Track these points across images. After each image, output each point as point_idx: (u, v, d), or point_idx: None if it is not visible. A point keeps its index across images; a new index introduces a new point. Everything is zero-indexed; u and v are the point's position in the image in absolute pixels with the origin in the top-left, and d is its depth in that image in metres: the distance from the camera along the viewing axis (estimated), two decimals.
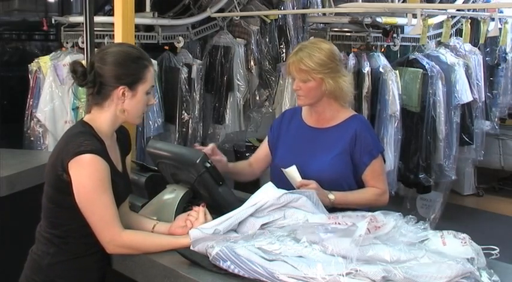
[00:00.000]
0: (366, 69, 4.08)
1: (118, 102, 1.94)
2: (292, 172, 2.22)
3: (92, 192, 1.83)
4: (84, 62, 2.02)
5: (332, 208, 2.18)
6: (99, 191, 1.83)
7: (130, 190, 2.14)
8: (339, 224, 1.79)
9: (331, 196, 2.24)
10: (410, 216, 1.82)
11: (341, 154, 2.35)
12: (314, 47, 2.33)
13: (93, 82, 1.94)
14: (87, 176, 1.83)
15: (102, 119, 1.96)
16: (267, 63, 4.62)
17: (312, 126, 2.45)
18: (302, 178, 2.23)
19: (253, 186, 2.63)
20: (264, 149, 2.59)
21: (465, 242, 1.69)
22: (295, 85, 2.35)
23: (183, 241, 1.86)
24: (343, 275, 1.49)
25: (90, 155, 1.82)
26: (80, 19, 3.46)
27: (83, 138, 1.87)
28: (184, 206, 2.17)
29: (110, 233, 1.86)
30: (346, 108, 2.46)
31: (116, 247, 1.89)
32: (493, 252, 1.72)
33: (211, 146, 2.40)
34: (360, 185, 2.39)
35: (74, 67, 1.96)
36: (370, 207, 2.39)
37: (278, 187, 2.25)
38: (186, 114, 4.09)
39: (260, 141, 4.91)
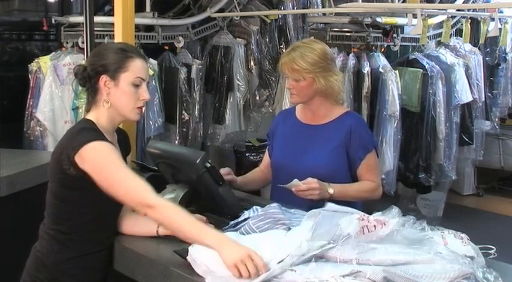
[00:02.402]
0: (366, 69, 4.08)
1: (104, 93, 1.96)
2: (293, 184, 2.24)
3: (110, 167, 1.82)
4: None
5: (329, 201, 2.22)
6: (118, 165, 1.82)
7: None
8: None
9: (331, 190, 2.29)
10: (410, 216, 1.82)
11: (337, 149, 2.40)
12: (306, 47, 2.38)
13: (84, 77, 1.98)
14: (100, 156, 1.83)
15: (100, 115, 1.98)
16: (267, 63, 4.62)
17: (307, 123, 2.50)
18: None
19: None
20: (267, 155, 2.64)
21: (466, 243, 1.69)
22: (288, 84, 2.42)
23: (207, 242, 1.67)
24: (343, 276, 1.48)
25: (97, 141, 1.84)
26: (80, 19, 3.46)
27: (87, 132, 1.90)
28: (184, 206, 2.17)
29: (144, 197, 1.78)
30: (339, 106, 2.51)
31: (151, 211, 1.77)
32: (490, 251, 1.72)
33: (227, 169, 2.45)
34: (355, 179, 2.44)
35: (77, 69, 2.01)
36: (366, 203, 2.45)
37: (278, 184, 2.33)
38: (186, 114, 4.09)
39: (260, 141, 4.94)
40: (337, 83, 2.40)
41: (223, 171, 2.36)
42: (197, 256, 1.70)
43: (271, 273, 1.55)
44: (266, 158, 2.65)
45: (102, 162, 1.83)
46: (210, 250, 1.66)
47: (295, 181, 2.23)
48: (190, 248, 1.73)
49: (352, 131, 2.40)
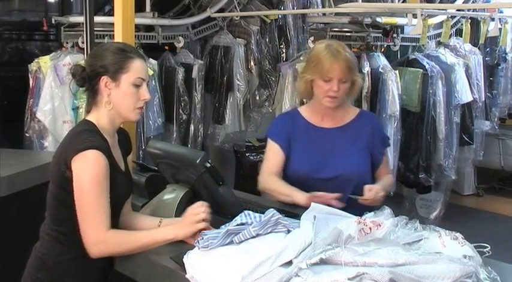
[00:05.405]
0: (366, 69, 4.07)
1: (104, 94, 1.95)
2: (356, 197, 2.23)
3: (87, 187, 1.83)
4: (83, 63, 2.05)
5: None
6: (95, 188, 1.83)
7: (133, 189, 2.15)
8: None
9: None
10: (403, 216, 1.82)
11: (363, 150, 2.41)
12: (343, 46, 2.36)
13: (82, 78, 1.97)
14: (86, 171, 1.83)
15: (101, 117, 1.98)
16: (267, 63, 4.62)
17: (325, 127, 2.45)
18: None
19: (253, 186, 2.64)
20: (280, 158, 2.46)
21: (462, 242, 1.69)
22: (336, 86, 2.31)
23: (166, 236, 1.87)
24: (349, 279, 1.47)
25: (93, 150, 1.83)
26: (80, 19, 3.46)
27: (86, 135, 1.90)
28: (184, 206, 2.17)
29: (95, 233, 1.83)
30: (350, 105, 2.52)
31: (98, 246, 1.84)
32: (484, 250, 1.72)
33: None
34: (373, 176, 2.45)
35: (74, 70, 2.00)
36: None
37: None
38: (183, 114, 4.09)
39: (260, 141, 4.94)
40: (361, 82, 2.44)
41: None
42: (192, 262, 1.70)
43: (281, 278, 1.55)
44: (279, 159, 2.45)
45: (87, 178, 1.83)
46: (204, 256, 1.70)
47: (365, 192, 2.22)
48: (185, 256, 1.74)
49: (374, 131, 2.43)
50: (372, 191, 2.21)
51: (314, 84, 2.39)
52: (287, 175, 2.45)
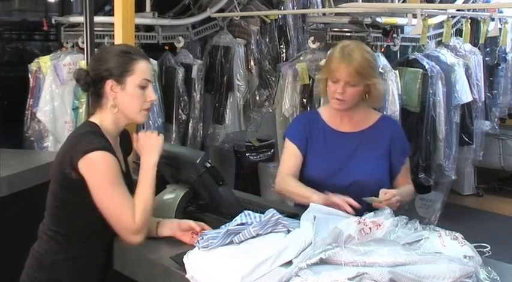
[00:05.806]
0: None
1: (110, 98, 1.95)
2: (376, 199, 2.18)
3: (107, 188, 1.84)
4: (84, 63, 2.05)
5: None
6: (114, 186, 1.84)
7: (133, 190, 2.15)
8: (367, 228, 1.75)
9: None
10: (403, 216, 1.82)
11: (382, 156, 2.36)
12: (361, 49, 2.29)
13: (87, 82, 1.96)
14: (100, 173, 1.84)
15: (105, 119, 1.97)
16: (267, 63, 4.61)
17: (343, 131, 2.41)
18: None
19: (253, 186, 2.64)
20: (298, 159, 2.42)
21: (462, 242, 1.69)
22: (340, 89, 2.27)
23: (146, 166, 1.95)
24: (349, 279, 1.47)
25: (100, 152, 1.84)
26: (80, 19, 3.46)
27: (91, 136, 1.90)
28: (185, 206, 2.17)
29: (134, 223, 1.84)
30: (371, 110, 2.45)
31: (141, 234, 1.87)
32: (484, 250, 1.72)
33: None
34: (391, 183, 2.40)
35: (78, 75, 2.00)
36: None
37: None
38: (184, 114, 4.09)
39: (260, 141, 4.93)
40: (382, 88, 2.35)
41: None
42: (192, 262, 1.70)
43: (281, 278, 1.55)
44: (296, 160, 2.41)
45: (100, 179, 1.84)
46: (204, 256, 1.70)
47: (381, 195, 2.17)
48: (185, 256, 1.74)
49: (394, 137, 2.38)
50: (387, 194, 2.14)
51: (327, 83, 2.35)
52: (302, 180, 2.40)
